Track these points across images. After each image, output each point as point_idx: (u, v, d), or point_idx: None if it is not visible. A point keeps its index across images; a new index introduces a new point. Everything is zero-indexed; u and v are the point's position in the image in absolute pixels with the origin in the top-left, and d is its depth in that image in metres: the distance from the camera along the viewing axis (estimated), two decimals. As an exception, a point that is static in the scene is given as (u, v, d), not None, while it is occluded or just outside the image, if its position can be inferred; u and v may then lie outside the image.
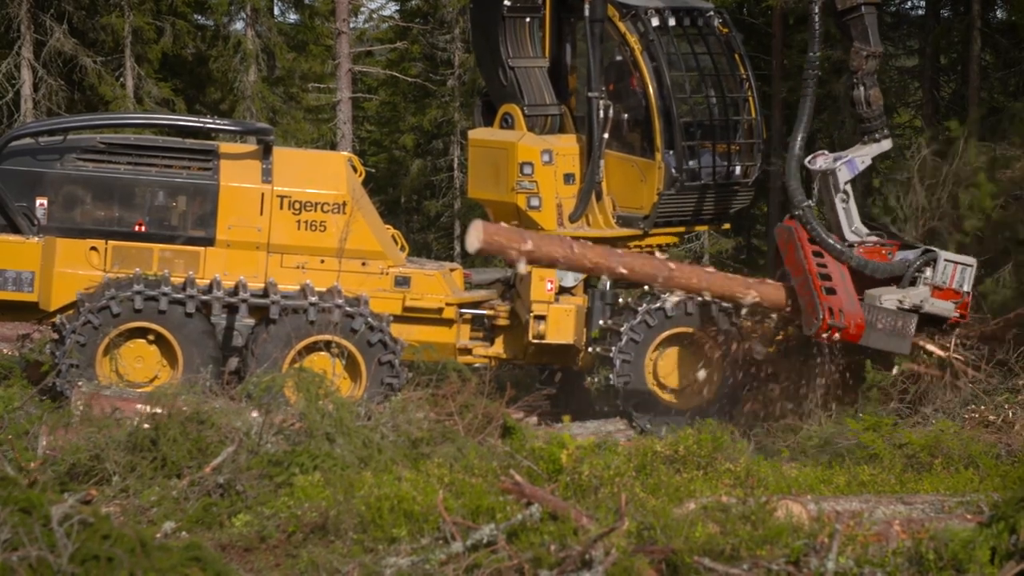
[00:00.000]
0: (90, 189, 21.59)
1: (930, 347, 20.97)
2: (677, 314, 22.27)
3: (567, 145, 23.18)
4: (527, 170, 22.80)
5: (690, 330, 22.31)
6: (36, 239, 21.31)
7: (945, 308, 20.81)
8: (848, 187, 21.24)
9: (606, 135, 22.72)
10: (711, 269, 21.33)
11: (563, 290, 22.82)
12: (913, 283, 20.79)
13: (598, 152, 22.70)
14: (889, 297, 20.53)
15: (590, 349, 22.55)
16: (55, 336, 21.13)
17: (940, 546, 12.24)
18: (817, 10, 21.03)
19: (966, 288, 20.93)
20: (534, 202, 22.81)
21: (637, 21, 22.65)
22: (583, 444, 15.79)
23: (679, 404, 22.34)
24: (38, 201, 21.44)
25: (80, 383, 19.74)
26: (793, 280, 20.69)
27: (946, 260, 20.87)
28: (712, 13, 23.45)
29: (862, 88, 20.94)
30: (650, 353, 22.27)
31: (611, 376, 22.08)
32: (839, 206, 21.29)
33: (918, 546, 12.38)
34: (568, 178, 23.00)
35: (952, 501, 14.29)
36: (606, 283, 22.98)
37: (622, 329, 22.10)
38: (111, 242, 21.53)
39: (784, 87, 36.81)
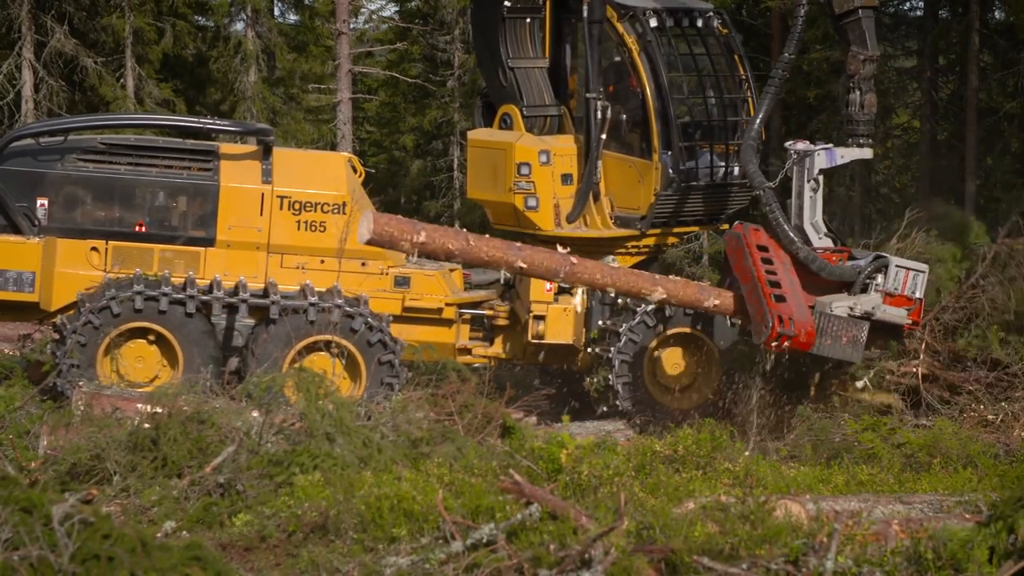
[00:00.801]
0: (91, 189, 21.62)
1: (904, 369, 20.74)
2: (675, 314, 22.31)
3: (565, 146, 23.20)
4: (524, 171, 22.82)
5: (688, 330, 22.35)
6: (37, 239, 21.34)
7: (897, 315, 20.40)
8: (820, 177, 20.87)
9: (603, 136, 22.72)
10: (616, 264, 20.85)
11: (562, 290, 22.85)
12: (864, 290, 20.36)
13: (595, 153, 22.72)
14: (840, 304, 20.15)
15: (589, 349, 22.59)
16: (56, 336, 21.15)
17: (939, 546, 12.26)
18: (803, 14, 20.85)
19: (918, 294, 20.52)
20: (531, 202, 22.84)
21: (635, 22, 22.66)
22: (582, 444, 15.81)
23: (677, 404, 22.38)
24: (39, 201, 21.47)
25: (81, 383, 19.76)
26: (741, 287, 20.26)
27: (898, 266, 20.49)
28: (712, 14, 23.44)
29: (858, 92, 20.74)
30: (649, 353, 22.30)
31: (610, 376, 22.11)
32: (807, 192, 20.86)
33: (917, 546, 12.41)
34: (566, 179, 23.02)
35: (951, 501, 14.32)
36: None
37: (621, 329, 22.14)
38: (112, 242, 21.56)
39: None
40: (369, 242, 18.78)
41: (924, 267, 20.76)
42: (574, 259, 19.72)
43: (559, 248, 20.17)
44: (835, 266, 20.50)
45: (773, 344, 19.62)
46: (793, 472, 17.04)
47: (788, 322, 19.53)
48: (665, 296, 20.14)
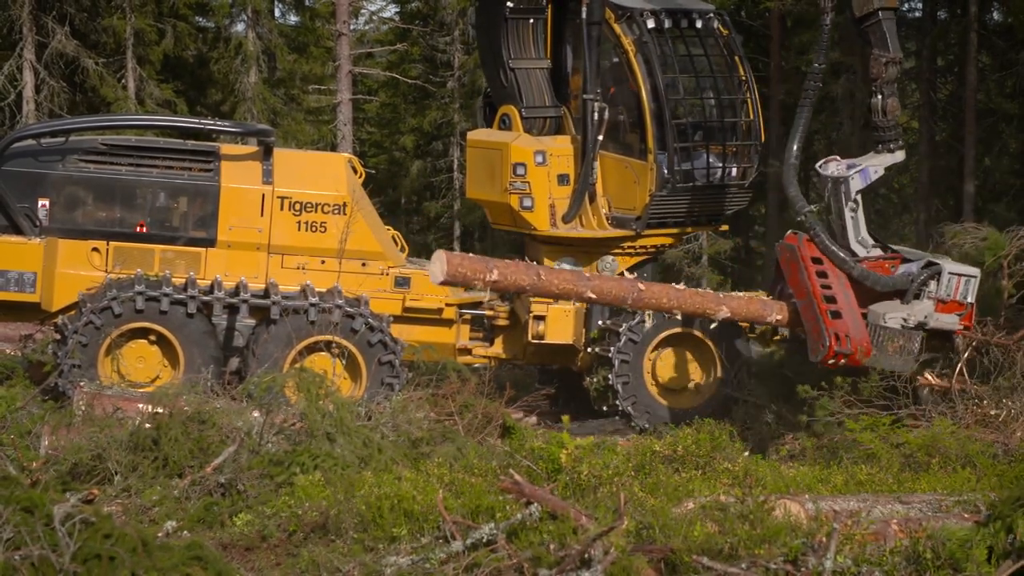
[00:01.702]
0: (92, 190, 21.65)
1: (929, 378, 20.56)
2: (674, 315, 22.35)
3: (562, 146, 23.23)
4: (520, 171, 22.86)
5: (688, 330, 22.39)
6: (38, 240, 21.37)
7: (950, 322, 20.28)
8: (859, 196, 20.67)
9: (600, 137, 22.74)
10: (681, 287, 20.73)
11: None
12: (917, 297, 20.25)
13: (592, 154, 22.74)
14: (893, 315, 20.03)
15: (589, 349, 22.63)
16: (57, 336, 21.18)
17: (937, 545, 12.29)
18: (828, 22, 20.55)
19: (970, 299, 20.37)
20: (527, 203, 22.87)
21: (632, 23, 22.68)
22: (582, 444, 15.84)
23: (677, 404, 22.42)
24: (40, 202, 21.50)
25: (82, 383, 19.77)
26: (797, 302, 20.13)
27: (951, 272, 20.34)
28: (712, 15, 23.44)
29: (880, 96, 20.44)
30: (648, 353, 22.35)
31: (610, 376, 22.15)
32: (847, 214, 20.71)
33: (916, 545, 12.44)
34: (562, 179, 23.05)
35: (949, 500, 14.32)
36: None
37: (621, 329, 22.17)
38: (113, 243, 21.59)
39: (782, 89, 36.89)
40: (443, 283, 18.62)
41: (975, 271, 20.57)
42: (642, 285, 19.70)
43: (627, 275, 20.12)
44: (888, 277, 20.37)
45: (829, 362, 19.48)
46: (792, 472, 17.05)
47: (844, 340, 19.40)
48: (729, 314, 20.02)
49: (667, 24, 22.83)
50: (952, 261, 20.92)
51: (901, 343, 20.01)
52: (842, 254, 20.33)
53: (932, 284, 20.31)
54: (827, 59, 21.03)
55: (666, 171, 22.59)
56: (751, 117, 23.28)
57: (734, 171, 23.20)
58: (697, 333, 22.39)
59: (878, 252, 20.85)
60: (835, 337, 19.40)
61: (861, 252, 20.65)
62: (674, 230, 23.54)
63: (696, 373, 22.63)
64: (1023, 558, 11.96)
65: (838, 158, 21.18)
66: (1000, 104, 36.04)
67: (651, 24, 22.62)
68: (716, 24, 23.31)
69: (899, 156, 21.07)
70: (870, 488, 15.78)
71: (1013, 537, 12.14)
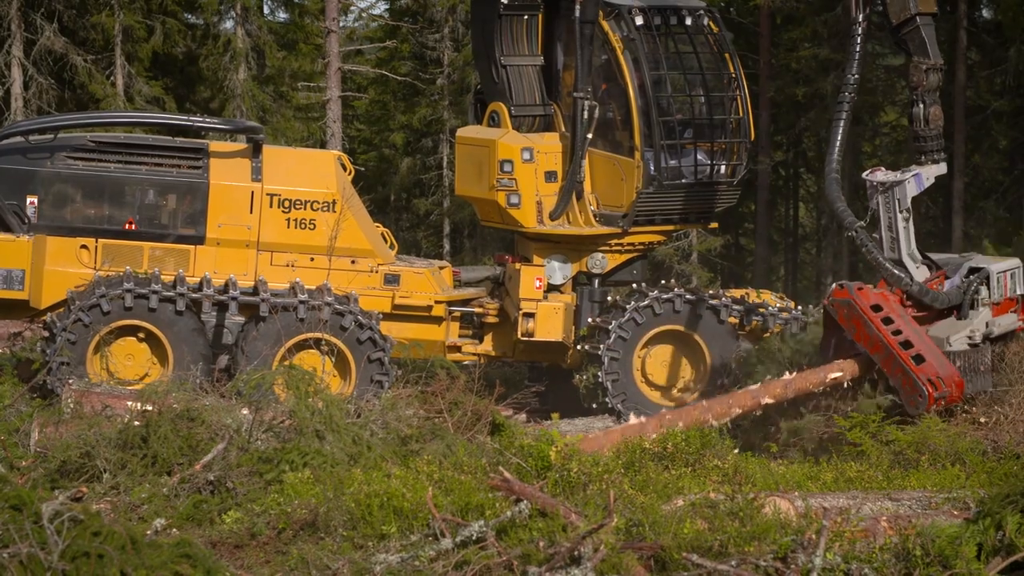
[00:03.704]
0: (80, 187, 21.64)
1: None
2: (665, 312, 22.37)
3: (550, 143, 23.20)
4: (507, 167, 22.84)
5: (678, 328, 22.40)
6: (26, 237, 21.34)
7: (1009, 323, 19.94)
8: (910, 205, 20.11)
9: (589, 135, 22.71)
10: (790, 376, 19.82)
11: (552, 287, 22.89)
12: (972, 306, 19.85)
13: (581, 151, 22.71)
14: (958, 336, 19.56)
15: (579, 347, 22.63)
16: (46, 334, 21.16)
17: (927, 542, 12.30)
18: (860, 32, 20.22)
19: (1020, 291, 20.05)
20: (513, 199, 22.84)
21: (620, 20, 22.66)
22: (572, 441, 15.83)
23: (667, 401, 22.44)
24: (28, 199, 21.48)
25: (71, 381, 19.79)
26: (875, 357, 19.30)
27: (999, 272, 19.94)
28: (702, 12, 23.43)
29: (921, 105, 20.06)
30: (638, 350, 22.36)
31: (599, 373, 22.15)
32: (900, 224, 20.08)
33: (905, 542, 12.45)
34: (550, 176, 23.02)
35: (939, 497, 14.35)
36: (595, 281, 23.07)
37: (611, 327, 22.18)
38: (101, 240, 21.58)
39: (771, 86, 36.89)
40: None
41: (1016, 262, 20.23)
42: (765, 387, 19.41)
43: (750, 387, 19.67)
44: (943, 294, 19.94)
45: (931, 410, 18.74)
46: (782, 469, 17.06)
47: (939, 383, 18.84)
48: (845, 377, 19.45)
49: (656, 21, 22.80)
50: (989, 258, 20.55)
51: (976, 361, 19.52)
52: (897, 272, 19.78)
53: (983, 290, 19.92)
54: (860, 70, 20.39)
55: (653, 168, 22.56)
56: (740, 114, 23.24)
57: (723, 169, 23.17)
58: (686, 331, 22.41)
59: (925, 271, 20.30)
60: (930, 384, 18.80)
61: (911, 266, 20.09)
62: (663, 227, 23.51)
63: (686, 370, 22.64)
64: (1012, 555, 11.97)
65: (883, 168, 20.77)
66: (989, 101, 36.08)
67: (639, 21, 22.60)
68: (706, 21, 23.29)
69: (943, 168, 20.55)
70: (860, 485, 15.81)
71: (1002, 534, 12.15)
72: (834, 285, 20.17)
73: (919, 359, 19.02)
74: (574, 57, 22.87)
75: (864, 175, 20.68)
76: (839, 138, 20.09)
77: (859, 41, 20.26)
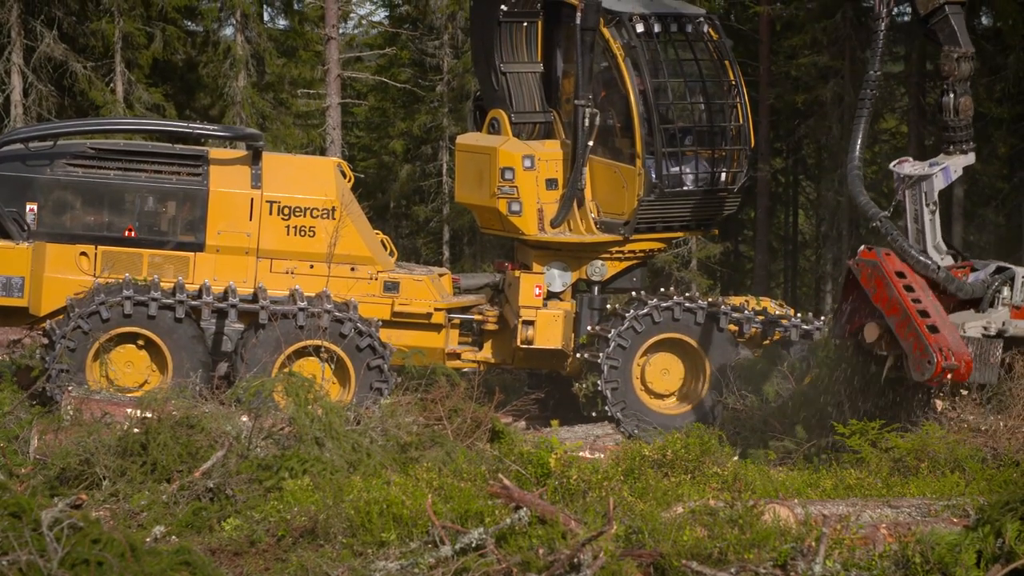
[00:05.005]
0: (80, 194, 21.64)
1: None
2: (664, 320, 22.36)
3: (551, 151, 23.20)
4: (508, 175, 22.84)
5: (677, 336, 22.40)
6: (26, 244, 21.34)
7: None
8: (936, 198, 19.93)
9: (591, 142, 22.71)
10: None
11: (551, 295, 22.89)
12: (992, 304, 19.62)
13: (582, 159, 22.71)
14: (973, 325, 19.39)
15: (578, 354, 22.62)
16: (45, 341, 21.15)
17: (926, 549, 12.31)
18: (883, 28, 20.06)
19: None
20: (515, 207, 22.85)
21: (621, 28, 22.66)
22: (571, 448, 15.83)
23: (666, 409, 22.44)
24: (28, 206, 21.48)
25: (70, 388, 19.78)
26: (889, 320, 19.19)
27: None
28: (702, 19, 23.44)
29: (952, 95, 19.92)
30: (637, 359, 22.36)
31: (599, 381, 22.15)
32: (927, 216, 19.94)
33: (905, 549, 12.45)
34: (551, 183, 23.02)
35: (938, 505, 14.34)
36: (594, 288, 23.07)
37: (610, 335, 22.18)
38: (101, 247, 21.58)
39: (771, 93, 36.90)
40: None
41: None
42: None
43: None
44: (967, 284, 19.81)
45: (936, 380, 18.71)
46: (781, 476, 17.06)
47: (949, 354, 18.66)
48: None
49: (656, 28, 22.81)
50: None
51: (984, 352, 19.38)
52: (923, 259, 19.67)
53: (1006, 290, 19.79)
54: (882, 65, 20.26)
55: (654, 176, 22.57)
56: (740, 121, 23.26)
57: (723, 176, 23.18)
58: (686, 339, 22.41)
59: (950, 261, 20.21)
60: (940, 352, 18.65)
61: (936, 257, 19.98)
62: (663, 235, 23.53)
63: (685, 378, 22.64)
64: (1012, 562, 11.97)
65: (910, 159, 20.67)
66: (989, 108, 36.06)
67: (640, 28, 22.62)
68: (706, 28, 23.31)
69: (971, 158, 20.44)
70: (859, 492, 15.79)
71: (1002, 541, 12.15)
72: (862, 247, 20.07)
73: (934, 329, 18.91)
74: (574, 64, 22.88)
75: (891, 166, 20.56)
76: (861, 134, 20.03)
77: (881, 37, 20.14)
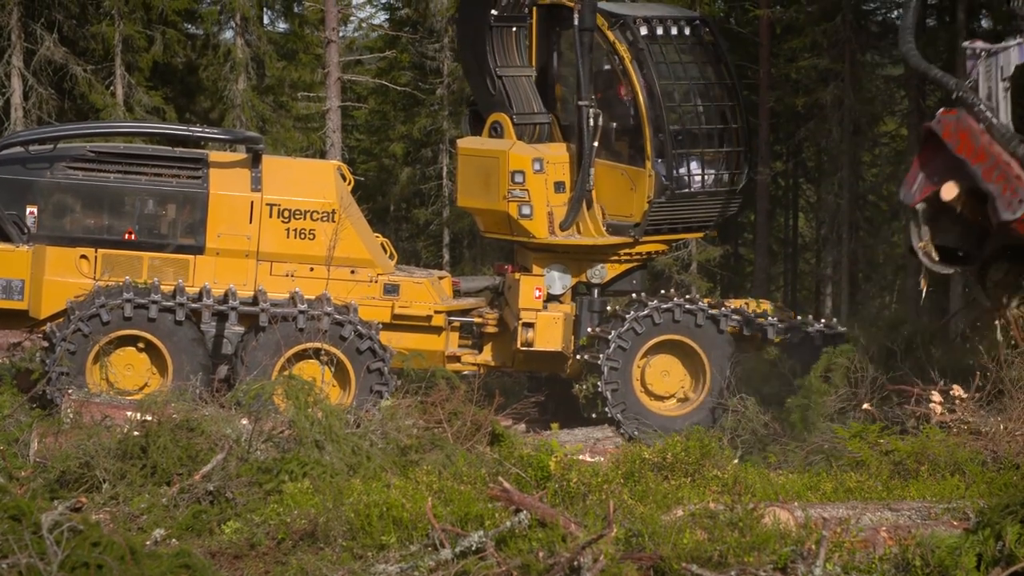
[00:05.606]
0: (80, 197, 21.66)
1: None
2: (664, 321, 22.37)
3: (557, 153, 23.21)
4: (518, 178, 22.84)
5: (678, 337, 22.41)
6: (26, 247, 21.35)
7: None
8: (1012, 73, 19.22)
9: (596, 144, 22.74)
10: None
11: (551, 297, 22.89)
12: None
13: (588, 161, 22.73)
14: None
15: (578, 356, 22.63)
16: (45, 344, 21.17)
17: (927, 552, 12.31)
18: None
19: None
20: (525, 210, 22.85)
21: (626, 30, 22.70)
22: (571, 451, 15.82)
23: (666, 411, 22.44)
24: (28, 209, 21.50)
25: (70, 391, 19.79)
26: (975, 168, 18.67)
27: None
28: (699, 22, 23.52)
29: None
30: (637, 360, 22.36)
31: (599, 383, 22.15)
32: (1000, 94, 19.25)
33: (905, 552, 12.45)
34: (559, 186, 23.04)
35: (939, 508, 14.33)
36: (594, 291, 23.07)
37: (610, 336, 22.18)
38: (101, 250, 21.61)
39: (771, 96, 36.87)
40: None
41: None
42: None
43: None
44: None
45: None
46: (781, 479, 17.05)
47: None
48: None
49: (659, 31, 22.86)
50: None
51: None
52: (1010, 133, 18.95)
53: None
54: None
55: (664, 178, 22.61)
56: (740, 123, 23.32)
57: (726, 177, 23.24)
58: (686, 340, 22.42)
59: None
60: None
61: None
62: (667, 236, 23.57)
63: (685, 380, 22.64)
64: (1012, 565, 11.97)
65: (981, 40, 20.19)
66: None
67: (644, 31, 22.66)
68: (704, 31, 23.38)
69: None
70: (859, 495, 15.79)
71: (1002, 544, 12.15)
72: (941, 109, 19.60)
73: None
74: (571, 67, 22.90)
75: (964, 44, 20.11)
76: (911, 20, 19.76)
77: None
